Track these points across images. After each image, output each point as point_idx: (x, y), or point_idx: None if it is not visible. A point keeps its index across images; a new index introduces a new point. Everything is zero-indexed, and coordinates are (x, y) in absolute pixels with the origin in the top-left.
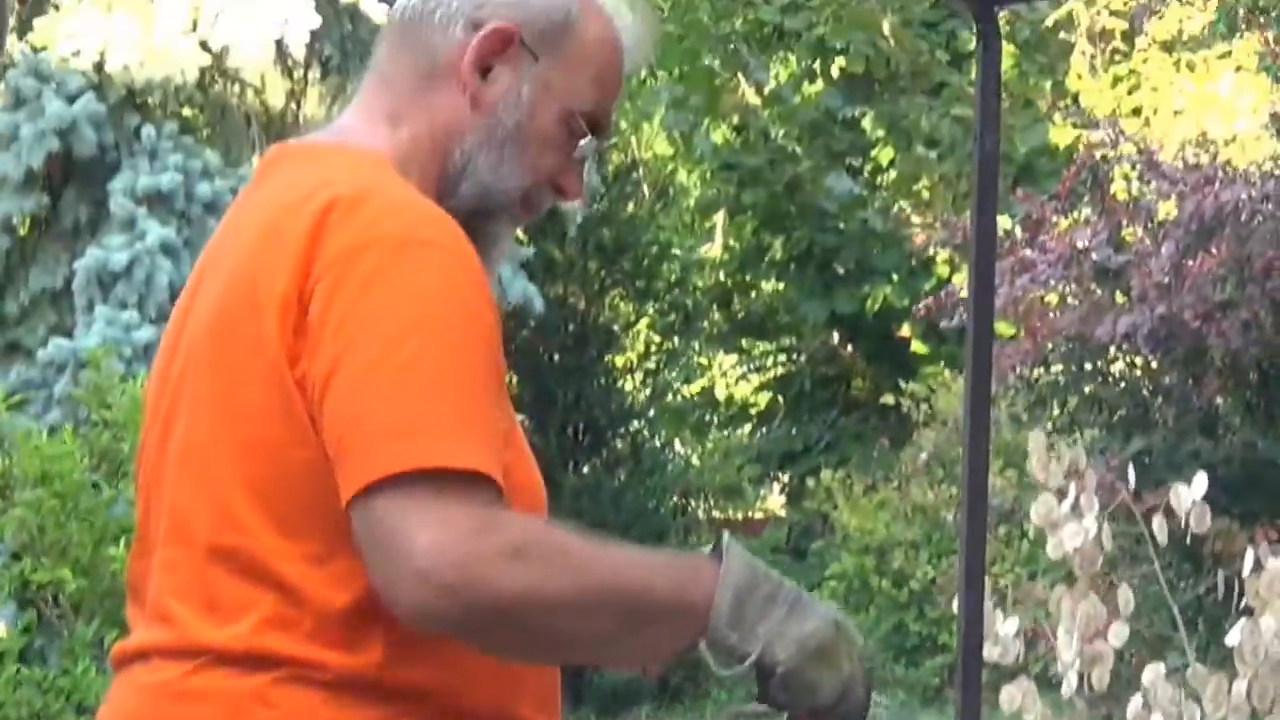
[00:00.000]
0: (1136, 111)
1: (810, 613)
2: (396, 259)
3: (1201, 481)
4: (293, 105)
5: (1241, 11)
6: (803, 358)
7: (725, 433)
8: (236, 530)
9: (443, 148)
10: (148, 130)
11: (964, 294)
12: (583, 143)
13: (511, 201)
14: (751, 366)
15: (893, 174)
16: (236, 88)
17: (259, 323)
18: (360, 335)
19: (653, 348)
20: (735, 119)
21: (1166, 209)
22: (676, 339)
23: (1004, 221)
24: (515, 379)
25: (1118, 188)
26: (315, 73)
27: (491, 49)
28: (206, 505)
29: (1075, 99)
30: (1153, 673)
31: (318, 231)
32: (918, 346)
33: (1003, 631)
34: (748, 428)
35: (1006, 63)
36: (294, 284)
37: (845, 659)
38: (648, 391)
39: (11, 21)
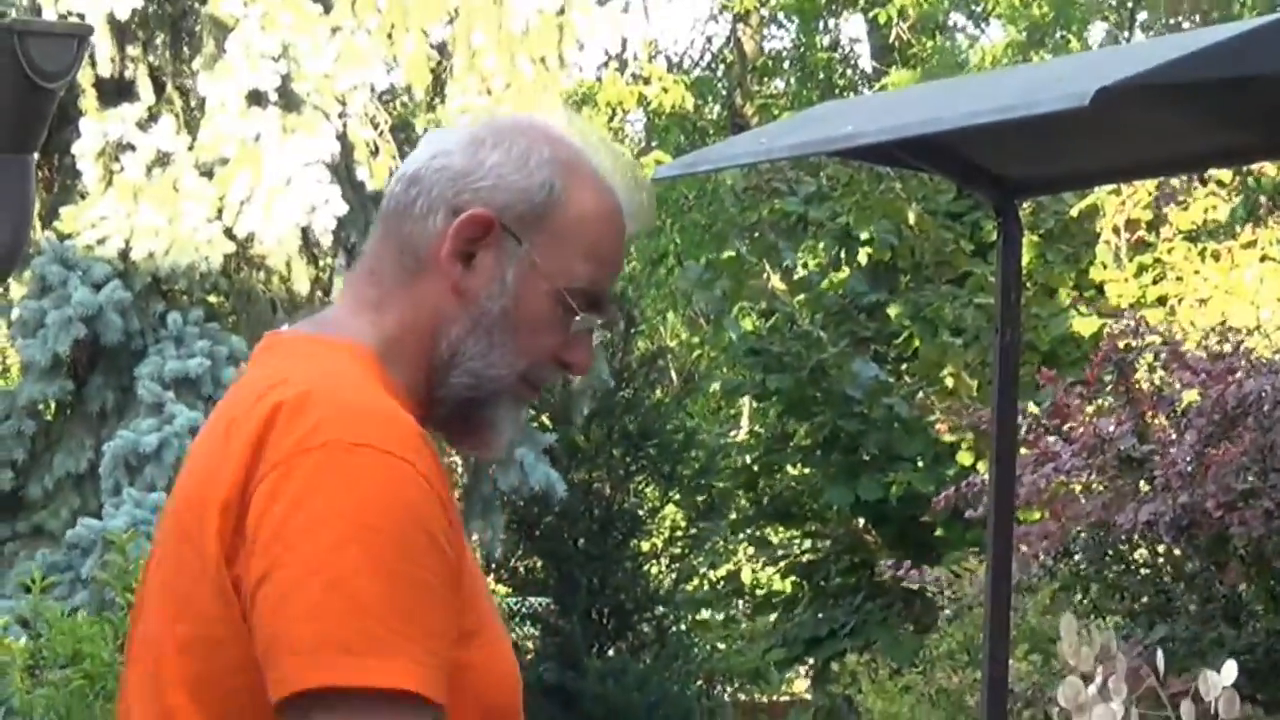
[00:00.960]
0: (1161, 300)
1: None
2: (336, 466)
3: (1231, 669)
4: (319, 292)
5: (1264, 200)
6: (827, 543)
7: (751, 618)
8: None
9: (430, 338)
10: (174, 316)
11: (986, 482)
12: (578, 319)
13: (507, 386)
14: (777, 555)
15: (917, 361)
16: (262, 274)
17: (205, 521)
18: (293, 546)
19: (678, 532)
20: (761, 305)
21: (1190, 398)
22: (702, 524)
23: (1030, 408)
24: (539, 563)
25: (1141, 377)
26: (340, 260)
27: (471, 235)
28: (153, 705)
29: (1100, 288)
30: None
31: (264, 433)
32: (942, 532)
33: None
34: (773, 614)
35: (1030, 252)
36: (237, 485)
37: None
38: (673, 576)
39: (38, 209)
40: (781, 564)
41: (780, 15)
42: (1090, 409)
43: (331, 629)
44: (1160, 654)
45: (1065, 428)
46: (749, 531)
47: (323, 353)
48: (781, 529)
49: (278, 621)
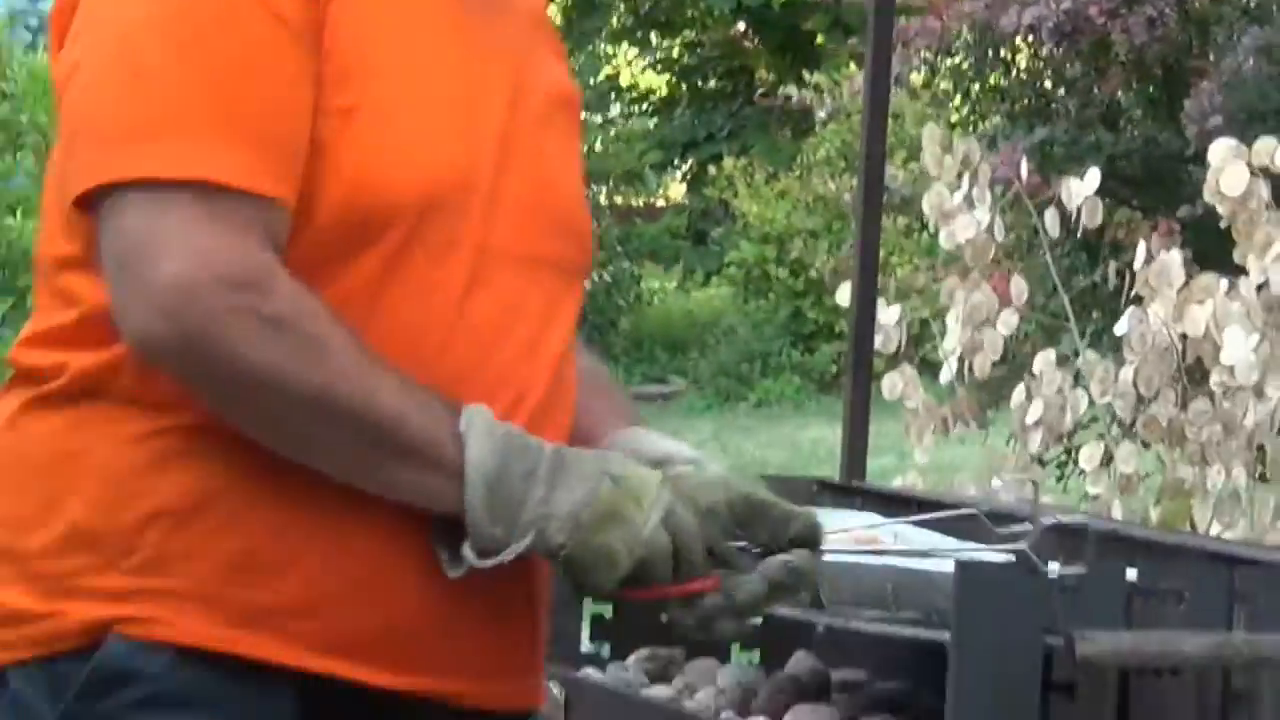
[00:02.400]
0: None
1: (576, 477)
2: None
3: (1093, 176)
4: None
5: None
6: (708, 47)
7: (628, 119)
8: (43, 239)
9: None
10: None
11: None
12: None
13: None
14: (657, 58)
15: None
16: None
17: (54, 34)
18: (93, 23)
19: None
20: None
21: None
22: (584, 24)
23: None
24: None
25: None
26: None
27: None
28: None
29: None
30: (1043, 360)
31: None
32: (823, 40)
33: (884, 320)
34: (651, 116)
35: None
36: None
37: (637, 510)
38: None
39: None
40: (660, 67)
41: None
42: None
43: (123, 113)
44: (1026, 161)
45: None
46: (630, 40)
47: None
48: (662, 35)
49: (82, 110)
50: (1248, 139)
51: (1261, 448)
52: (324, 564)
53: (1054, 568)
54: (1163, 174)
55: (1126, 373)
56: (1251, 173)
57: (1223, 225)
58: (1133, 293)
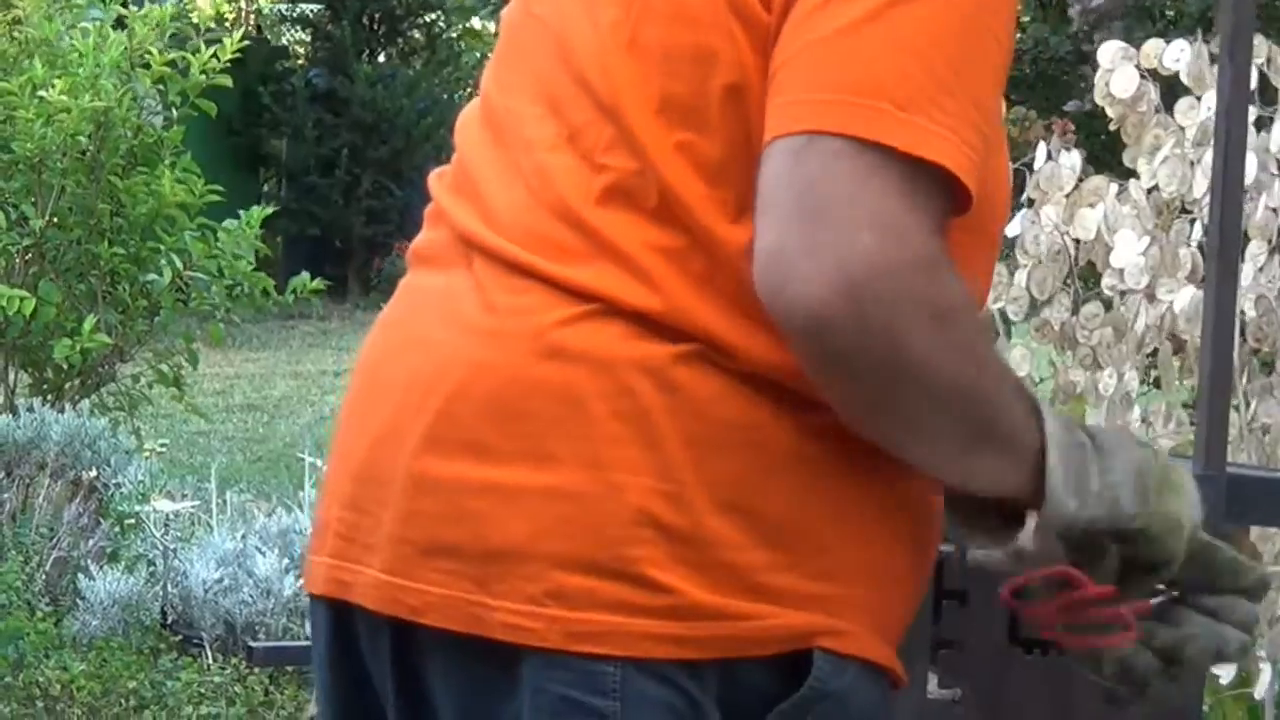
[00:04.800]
0: None
1: (1119, 446)
2: None
3: None
4: None
5: None
6: None
7: None
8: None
9: None
10: None
11: None
12: None
13: None
14: None
15: None
16: None
17: None
18: None
19: None
20: None
21: None
22: None
23: None
24: None
25: None
26: None
27: None
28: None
29: None
30: None
31: None
32: None
33: None
34: None
35: None
36: None
37: (1185, 478)
38: None
39: None
40: None
41: None
42: None
43: (880, 73)
44: None
45: None
46: None
47: None
48: None
49: (814, 42)
50: (1135, 39)
51: (1154, 352)
52: (917, 578)
53: None
54: (1053, 76)
55: (1020, 276)
56: (1141, 75)
57: (1112, 128)
58: (1024, 195)
